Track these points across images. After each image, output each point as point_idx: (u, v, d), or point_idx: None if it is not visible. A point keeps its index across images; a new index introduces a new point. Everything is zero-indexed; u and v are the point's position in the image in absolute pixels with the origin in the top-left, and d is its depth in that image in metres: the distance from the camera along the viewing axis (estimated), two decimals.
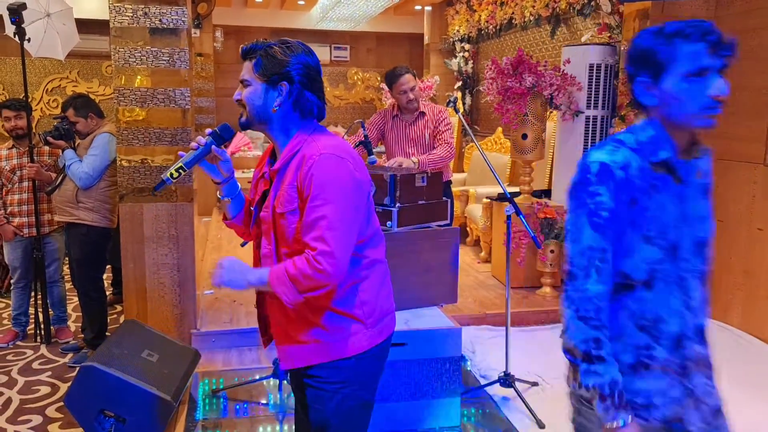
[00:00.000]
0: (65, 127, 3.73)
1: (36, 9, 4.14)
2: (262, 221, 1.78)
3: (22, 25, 3.80)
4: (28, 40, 3.92)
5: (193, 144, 1.75)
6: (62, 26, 4.26)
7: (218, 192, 1.85)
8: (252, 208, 1.85)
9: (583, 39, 5.24)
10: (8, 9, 3.75)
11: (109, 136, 3.67)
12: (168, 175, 1.71)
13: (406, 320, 2.96)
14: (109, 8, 3.39)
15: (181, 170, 1.72)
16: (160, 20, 3.44)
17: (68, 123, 3.74)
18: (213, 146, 1.74)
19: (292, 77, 1.68)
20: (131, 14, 3.41)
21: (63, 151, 3.70)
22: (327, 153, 1.63)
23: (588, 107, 4.59)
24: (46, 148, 4.00)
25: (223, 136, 1.76)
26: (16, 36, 3.82)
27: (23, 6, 3.80)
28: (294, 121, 1.72)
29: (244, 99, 1.71)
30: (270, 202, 1.74)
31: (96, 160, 3.62)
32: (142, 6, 3.42)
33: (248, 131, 9.05)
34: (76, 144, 3.79)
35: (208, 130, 1.77)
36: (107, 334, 3.87)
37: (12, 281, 4.14)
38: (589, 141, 4.62)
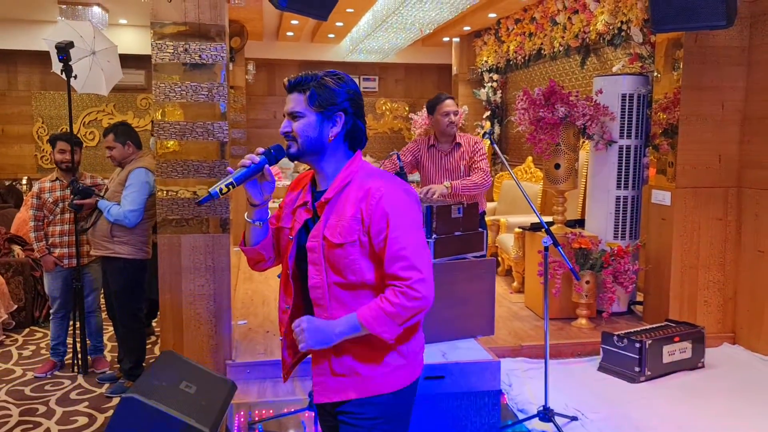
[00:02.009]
0: (80, 187, 3.82)
1: (82, 47, 4.30)
2: (310, 251, 1.74)
3: (69, 63, 3.94)
4: (75, 77, 4.06)
5: (245, 161, 1.71)
6: (107, 63, 4.41)
7: (248, 215, 1.81)
8: (291, 237, 1.81)
9: (614, 69, 5.24)
10: (57, 47, 3.90)
11: (144, 170, 3.74)
12: (217, 189, 1.67)
13: (443, 353, 2.94)
14: (151, 45, 3.49)
15: (231, 186, 1.68)
16: (199, 56, 3.54)
17: (75, 182, 3.84)
18: (266, 165, 1.72)
19: (346, 108, 1.72)
20: (172, 50, 3.51)
21: (97, 204, 3.77)
22: (395, 186, 1.70)
23: (621, 137, 4.56)
24: (88, 180, 4.10)
25: (277, 156, 1.74)
26: (63, 73, 3.96)
27: (71, 44, 3.94)
28: (344, 150, 1.76)
29: (296, 131, 1.71)
30: (320, 231, 1.72)
31: (136, 195, 3.69)
32: (183, 43, 3.52)
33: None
34: (107, 186, 3.88)
35: (260, 149, 1.74)
36: (144, 364, 3.90)
37: (51, 311, 4.20)
38: (623, 170, 4.59)
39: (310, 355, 1.82)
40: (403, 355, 1.74)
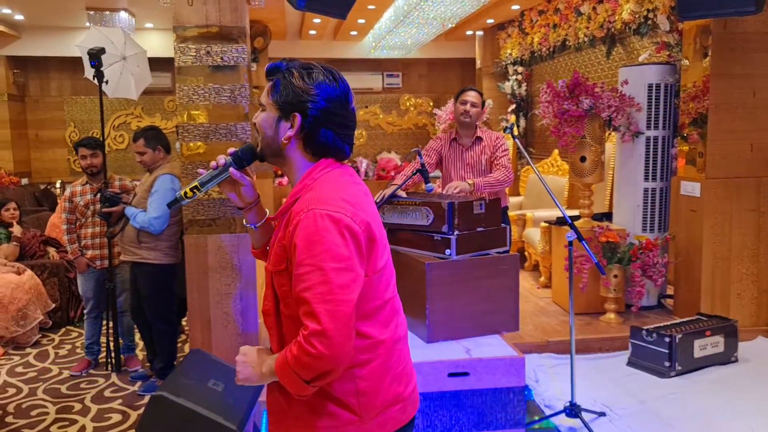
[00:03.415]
0: (107, 195, 3.88)
1: (113, 53, 4.41)
2: (266, 272, 1.54)
3: (101, 69, 4.03)
4: (106, 82, 4.15)
5: (213, 163, 1.55)
6: (136, 68, 4.51)
7: (244, 219, 1.64)
8: (267, 248, 1.65)
9: (640, 58, 5.15)
10: (89, 54, 3.99)
11: (170, 177, 3.77)
12: (182, 194, 1.55)
13: (467, 349, 2.94)
14: (174, 49, 3.55)
15: (195, 190, 1.54)
16: (221, 58, 3.58)
17: (106, 187, 3.92)
18: (232, 169, 1.53)
19: (306, 109, 1.45)
20: (194, 53, 3.56)
21: (124, 211, 3.84)
22: (317, 209, 1.38)
23: (648, 128, 4.48)
24: (117, 183, 4.18)
25: (245, 159, 1.56)
26: (95, 78, 4.05)
27: (102, 51, 4.04)
28: (306, 158, 1.51)
29: (257, 123, 1.52)
30: (272, 252, 1.52)
31: (160, 203, 3.71)
32: (205, 45, 3.56)
33: None
34: (135, 191, 3.96)
35: (230, 149, 1.58)
36: (175, 364, 3.97)
37: (84, 311, 4.31)
38: (650, 162, 4.51)
39: None
40: (355, 412, 1.46)
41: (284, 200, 1.62)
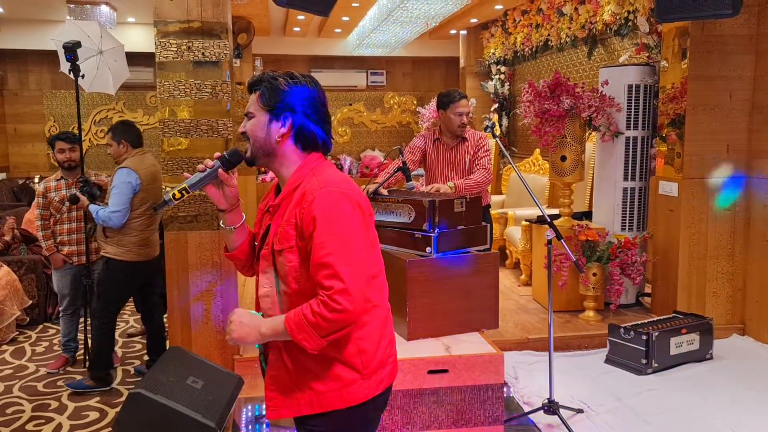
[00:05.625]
0: (90, 183, 3.90)
1: (90, 47, 4.34)
2: (262, 258, 1.70)
3: (77, 62, 3.98)
4: (83, 76, 4.10)
5: (200, 166, 1.70)
6: (114, 62, 4.45)
7: (221, 221, 1.79)
8: (255, 243, 1.80)
9: (621, 59, 5.20)
10: (64, 47, 3.94)
11: (126, 171, 3.72)
12: (170, 195, 1.66)
13: (446, 346, 2.95)
14: (155, 44, 3.52)
15: (184, 191, 1.67)
16: (203, 54, 3.56)
17: (84, 181, 3.90)
18: (220, 170, 1.69)
19: (294, 108, 1.65)
20: (176, 49, 3.53)
21: (88, 207, 3.82)
22: (329, 188, 1.58)
23: (628, 128, 4.53)
24: (93, 179, 4.13)
25: (232, 161, 1.71)
26: (71, 72, 4.00)
27: (78, 44, 3.98)
28: (297, 153, 1.68)
29: (248, 131, 1.68)
30: (270, 238, 1.67)
31: (117, 197, 3.68)
32: (186, 41, 3.54)
33: None
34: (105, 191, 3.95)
35: (216, 154, 1.73)
36: (110, 368, 3.90)
37: (61, 308, 4.25)
38: (630, 161, 4.56)
39: None
40: (358, 370, 1.64)
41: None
